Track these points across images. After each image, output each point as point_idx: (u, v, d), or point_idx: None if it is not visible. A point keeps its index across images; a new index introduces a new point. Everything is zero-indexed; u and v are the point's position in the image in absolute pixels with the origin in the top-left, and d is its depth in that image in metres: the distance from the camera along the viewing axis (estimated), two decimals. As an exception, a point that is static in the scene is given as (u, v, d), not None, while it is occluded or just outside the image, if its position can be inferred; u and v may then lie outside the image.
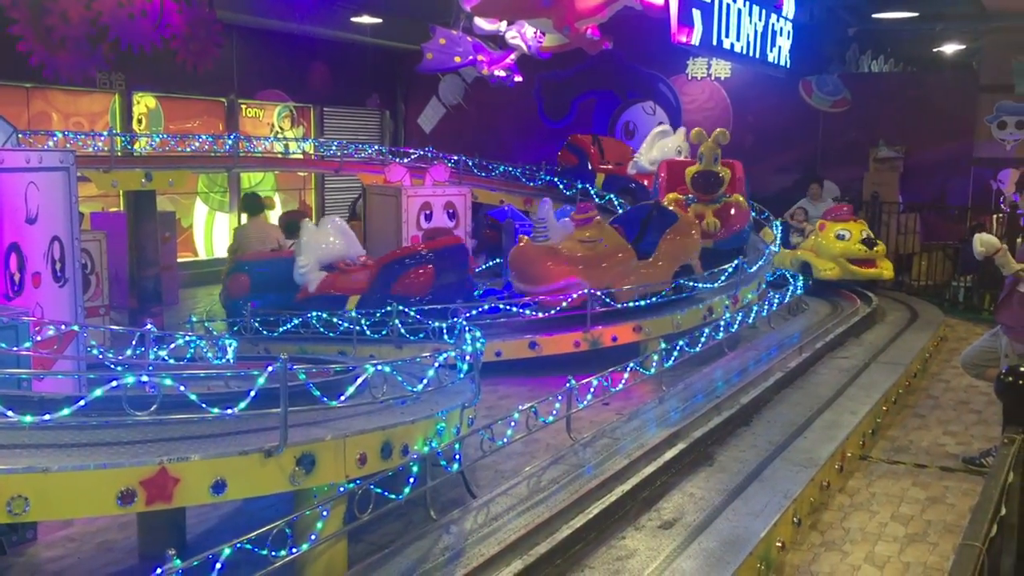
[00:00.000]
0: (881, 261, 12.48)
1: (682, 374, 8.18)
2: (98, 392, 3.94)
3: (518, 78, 14.53)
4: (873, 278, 12.51)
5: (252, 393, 4.22)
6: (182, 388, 4.08)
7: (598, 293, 8.88)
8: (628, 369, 7.12)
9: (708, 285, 10.03)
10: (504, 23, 13.04)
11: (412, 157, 15.57)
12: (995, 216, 14.59)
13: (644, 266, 9.70)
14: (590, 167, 15.69)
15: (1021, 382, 2.71)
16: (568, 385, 6.29)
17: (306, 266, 9.24)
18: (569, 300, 8.97)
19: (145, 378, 4.15)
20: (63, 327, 5.75)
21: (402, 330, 8.35)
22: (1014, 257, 6.35)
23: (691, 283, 9.75)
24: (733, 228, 11.71)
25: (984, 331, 7.50)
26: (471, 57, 13.81)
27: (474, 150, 16.45)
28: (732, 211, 11.74)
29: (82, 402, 3.93)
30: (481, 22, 12.97)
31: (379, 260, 9.45)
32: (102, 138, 12.86)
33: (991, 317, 7.08)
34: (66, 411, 3.96)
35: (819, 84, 16.72)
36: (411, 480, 4.82)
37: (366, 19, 16.49)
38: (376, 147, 16.90)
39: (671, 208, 10.62)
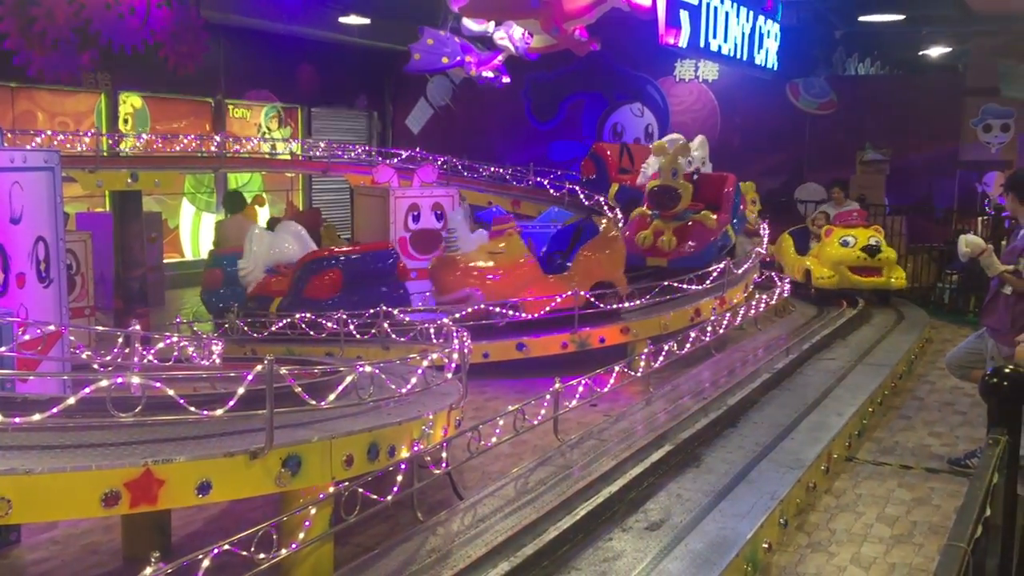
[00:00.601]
0: (889, 270, 11.58)
1: (669, 375, 8.19)
2: (71, 400, 3.91)
3: (506, 79, 14.53)
4: (877, 288, 11.65)
5: (237, 394, 4.19)
6: (168, 391, 4.05)
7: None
8: (615, 370, 7.12)
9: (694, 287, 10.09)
10: (492, 24, 13.03)
11: (400, 158, 15.55)
12: (980, 219, 14.68)
13: (554, 280, 9.48)
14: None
15: (1006, 383, 2.71)
16: (555, 386, 6.28)
17: (244, 269, 9.60)
18: (554, 303, 8.99)
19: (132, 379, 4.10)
20: (48, 328, 5.71)
21: (389, 331, 8.33)
22: (1000, 258, 6.37)
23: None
24: (690, 248, 10.97)
25: (969, 333, 7.54)
26: (459, 58, 13.80)
27: (462, 151, 16.46)
28: (694, 230, 11.06)
29: (39, 416, 3.90)
30: (469, 23, 12.96)
31: (296, 264, 9.52)
32: (87, 138, 12.81)
33: (976, 319, 7.13)
34: (37, 416, 3.93)
35: (806, 87, 16.80)
36: (399, 478, 4.80)
37: (354, 19, 16.47)
38: (364, 148, 16.88)
39: (602, 224, 10.30)
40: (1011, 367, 2.78)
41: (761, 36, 13.82)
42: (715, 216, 11.31)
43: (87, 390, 3.90)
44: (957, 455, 6.75)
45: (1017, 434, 2.81)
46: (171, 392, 4.05)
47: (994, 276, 6.21)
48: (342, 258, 9.50)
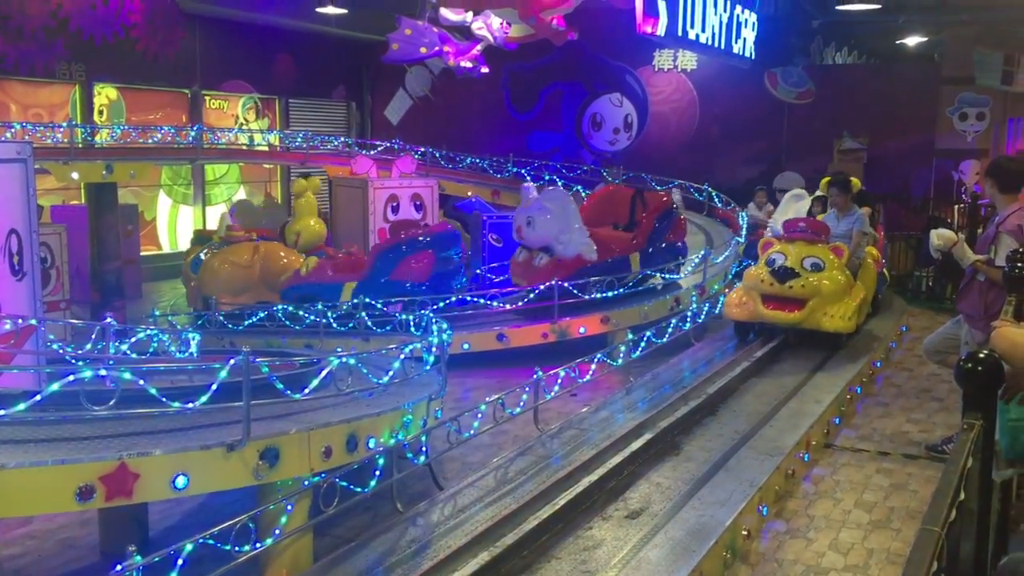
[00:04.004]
0: (821, 304, 8.19)
1: (649, 365, 8.20)
2: (33, 398, 3.86)
3: (484, 69, 14.50)
4: (794, 326, 8.36)
5: (213, 387, 4.17)
6: (141, 382, 4.01)
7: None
8: (595, 360, 7.12)
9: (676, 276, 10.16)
10: (470, 13, 12.99)
11: (378, 149, 15.50)
12: (956, 207, 14.78)
13: None
14: None
15: (980, 368, 2.73)
16: (535, 376, 6.28)
17: None
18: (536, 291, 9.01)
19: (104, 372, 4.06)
20: (20, 321, 5.66)
21: (369, 323, 8.32)
22: (974, 247, 6.41)
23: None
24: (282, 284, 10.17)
25: (946, 320, 7.59)
26: (437, 48, 13.76)
27: (441, 142, 16.41)
28: (318, 268, 10.09)
29: (22, 407, 3.85)
30: (447, 12, 12.93)
31: None
32: (61, 130, 12.67)
33: (953, 306, 7.17)
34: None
35: (784, 76, 16.84)
36: (377, 473, 4.78)
37: (331, 9, 16.34)
38: (342, 139, 16.80)
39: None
40: (985, 352, 2.79)
41: (739, 25, 13.84)
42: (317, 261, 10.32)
43: (38, 397, 3.84)
44: (934, 441, 6.79)
45: (991, 419, 2.83)
46: (142, 382, 4.01)
47: (968, 266, 6.24)
48: None
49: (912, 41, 18.70)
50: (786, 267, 8.28)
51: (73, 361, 5.96)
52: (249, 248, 10.61)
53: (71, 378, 3.87)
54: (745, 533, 5.04)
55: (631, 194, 10.75)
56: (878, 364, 8.96)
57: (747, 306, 8.45)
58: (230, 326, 9.04)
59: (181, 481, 3.96)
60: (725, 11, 13.13)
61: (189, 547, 3.74)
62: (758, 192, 14.22)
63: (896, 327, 10.32)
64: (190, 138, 14.26)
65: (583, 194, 14.41)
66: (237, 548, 3.96)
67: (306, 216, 10.70)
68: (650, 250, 10.14)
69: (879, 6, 15.76)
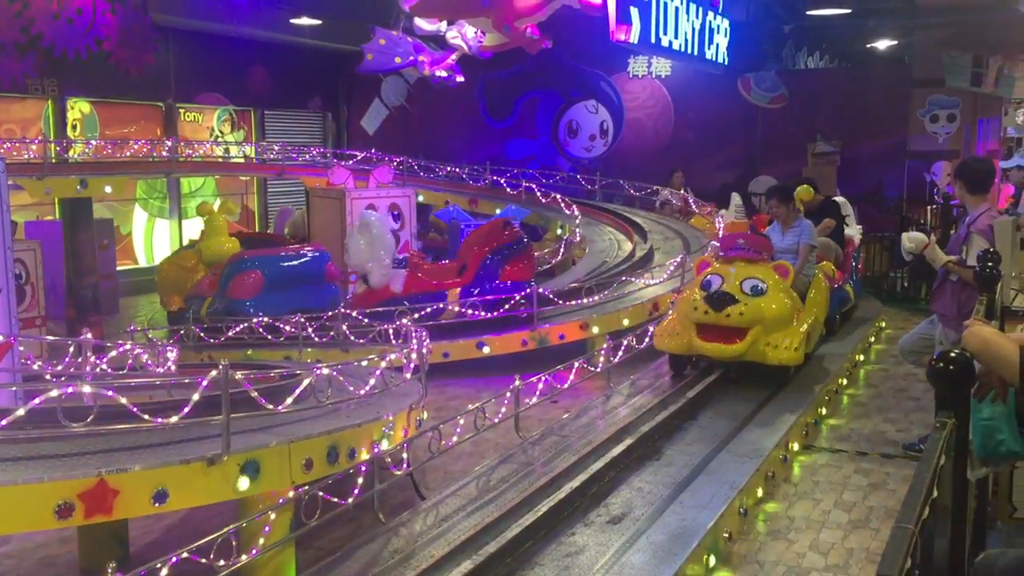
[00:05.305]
0: (764, 333, 7.16)
1: (629, 370, 8.23)
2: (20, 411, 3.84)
3: (460, 78, 14.53)
4: (728, 359, 7.35)
5: (195, 398, 4.16)
6: (124, 400, 4.00)
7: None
8: (575, 367, 7.15)
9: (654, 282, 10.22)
10: (444, 23, 13.02)
11: (355, 159, 15.48)
12: (929, 208, 14.94)
13: None
14: None
15: (951, 367, 2.77)
16: (515, 384, 6.29)
17: None
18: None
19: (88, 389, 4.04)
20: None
21: (348, 334, 8.31)
22: (946, 247, 6.50)
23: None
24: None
25: (921, 320, 7.67)
26: (412, 58, 13.78)
27: (418, 151, 16.41)
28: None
29: None
30: (421, 22, 12.93)
31: None
32: (35, 145, 12.59)
33: (927, 306, 7.26)
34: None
35: (757, 81, 16.96)
36: (359, 482, 4.78)
37: (305, 20, 16.32)
38: (319, 150, 16.77)
39: None
40: (957, 351, 2.83)
41: (711, 31, 13.95)
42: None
43: (36, 401, 3.83)
44: (911, 440, 6.86)
45: (964, 417, 2.86)
46: (124, 400, 4.00)
47: (940, 267, 6.32)
48: None
49: (883, 44, 18.90)
50: (723, 292, 7.20)
51: (50, 378, 5.92)
52: (195, 253, 11.57)
53: (54, 393, 3.85)
54: (726, 535, 5.07)
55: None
56: (855, 365, 9.04)
57: (680, 336, 7.40)
58: (210, 340, 8.99)
59: (162, 496, 3.94)
60: (697, 17, 13.24)
61: (171, 562, 3.72)
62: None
63: (872, 328, 10.39)
64: (165, 151, 14.19)
65: (560, 200, 14.47)
66: (219, 562, 3.94)
67: (214, 235, 11.75)
68: (475, 287, 9.58)
69: (849, 10, 15.95)
